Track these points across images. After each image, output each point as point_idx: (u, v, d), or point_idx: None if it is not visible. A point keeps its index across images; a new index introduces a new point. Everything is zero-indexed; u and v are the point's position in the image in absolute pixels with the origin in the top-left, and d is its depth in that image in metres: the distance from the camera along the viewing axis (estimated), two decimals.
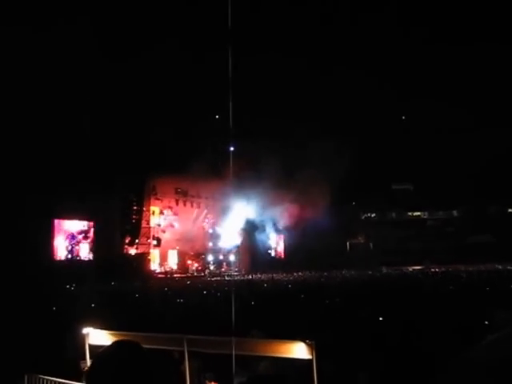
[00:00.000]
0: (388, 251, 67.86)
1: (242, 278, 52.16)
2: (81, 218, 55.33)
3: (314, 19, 57.56)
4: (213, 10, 44.10)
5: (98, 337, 7.34)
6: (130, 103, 51.69)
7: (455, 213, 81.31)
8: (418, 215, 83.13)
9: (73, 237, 54.98)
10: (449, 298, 24.57)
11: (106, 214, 55.18)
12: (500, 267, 49.54)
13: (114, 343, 3.42)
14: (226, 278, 53.55)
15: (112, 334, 7.14)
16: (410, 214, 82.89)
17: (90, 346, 7.38)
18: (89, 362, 7.19)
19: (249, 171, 53.68)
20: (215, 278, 53.26)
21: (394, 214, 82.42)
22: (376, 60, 60.80)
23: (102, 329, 7.53)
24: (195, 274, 61.52)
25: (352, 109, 60.83)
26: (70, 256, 54.33)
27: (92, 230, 56.30)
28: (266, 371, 8.46)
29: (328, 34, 57.69)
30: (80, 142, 47.91)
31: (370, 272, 53.10)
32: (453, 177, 70.51)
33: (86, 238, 55.89)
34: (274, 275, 52.67)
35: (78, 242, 55.39)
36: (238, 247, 67.41)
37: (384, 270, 57.32)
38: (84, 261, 54.60)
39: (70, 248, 54.77)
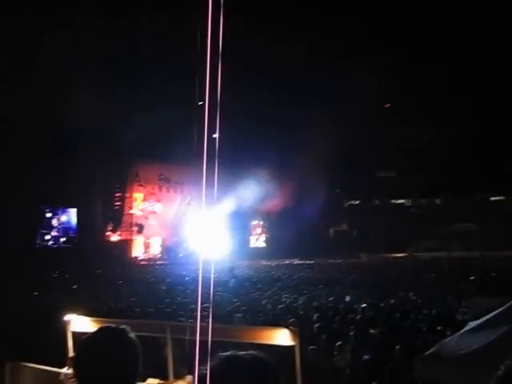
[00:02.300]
0: (372, 238, 68.02)
1: (226, 265, 52.28)
2: (63, 205, 55.17)
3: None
4: None
5: (80, 324, 7.32)
6: (113, 88, 51.48)
7: (438, 201, 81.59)
8: (402, 203, 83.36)
9: (55, 223, 54.87)
10: (431, 285, 24.75)
11: (89, 200, 55.08)
12: (482, 255, 49.84)
13: (101, 329, 3.42)
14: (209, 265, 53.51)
15: (94, 321, 7.12)
16: (393, 201, 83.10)
17: (73, 333, 7.35)
18: (71, 349, 7.17)
19: (232, 158, 53.70)
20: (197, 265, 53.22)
21: (377, 202, 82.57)
22: (362, 46, 60.73)
23: (84, 315, 7.51)
24: (178, 260, 61.49)
25: (336, 96, 60.78)
26: (51, 243, 54.21)
27: (75, 216, 56.21)
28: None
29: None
30: (62, 128, 47.76)
31: (351, 259, 53.33)
32: (436, 165, 70.79)
33: (68, 224, 55.78)
34: (257, 262, 52.89)
35: (60, 229, 55.27)
36: (220, 235, 67.46)
37: (364, 257, 57.50)
38: (66, 247, 54.47)
39: (52, 235, 54.65)
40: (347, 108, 59.33)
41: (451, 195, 76.58)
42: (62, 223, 55.81)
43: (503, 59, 58.42)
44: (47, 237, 54.31)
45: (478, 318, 5.94)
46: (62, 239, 55.51)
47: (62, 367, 6.85)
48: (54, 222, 55.46)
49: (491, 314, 5.21)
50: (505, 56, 57.56)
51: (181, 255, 63.87)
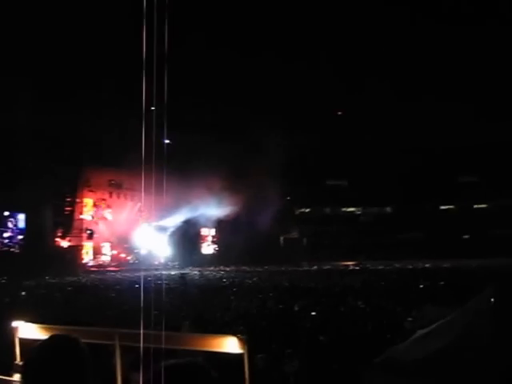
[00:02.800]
0: (322, 246, 68.35)
1: (175, 272, 52.11)
2: (12, 209, 54.55)
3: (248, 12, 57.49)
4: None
5: (28, 330, 7.23)
6: (65, 92, 51.17)
7: (388, 209, 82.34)
8: (352, 211, 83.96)
9: (3, 229, 54.25)
10: (380, 293, 24.89)
11: (38, 205, 54.54)
12: (430, 264, 50.36)
13: (51, 337, 3.40)
14: (159, 272, 53.39)
15: (43, 328, 7.05)
16: (343, 209, 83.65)
17: (21, 339, 7.28)
18: (18, 356, 7.09)
19: (184, 165, 53.68)
20: (148, 272, 53.06)
21: (328, 210, 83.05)
22: (314, 54, 61.02)
23: (32, 322, 7.44)
24: (128, 267, 61.12)
25: (289, 103, 61.01)
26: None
27: (23, 221, 55.60)
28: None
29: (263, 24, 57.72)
30: (12, 131, 47.32)
31: (301, 267, 53.56)
32: (387, 174, 71.40)
33: (17, 229, 55.15)
34: (207, 269, 52.93)
35: (9, 234, 54.66)
36: (171, 241, 67.33)
37: (305, 265, 57.66)
38: (15, 253, 53.87)
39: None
40: (299, 116, 59.65)
41: (402, 204, 77.29)
42: (11, 228, 55.15)
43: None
44: None
45: (426, 327, 5.99)
46: (10, 244, 54.87)
47: (8, 375, 6.78)
48: (3, 227, 54.83)
49: (438, 323, 5.27)
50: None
51: (131, 261, 63.71)
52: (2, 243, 54.10)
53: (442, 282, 28.99)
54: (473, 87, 62.13)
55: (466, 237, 74.21)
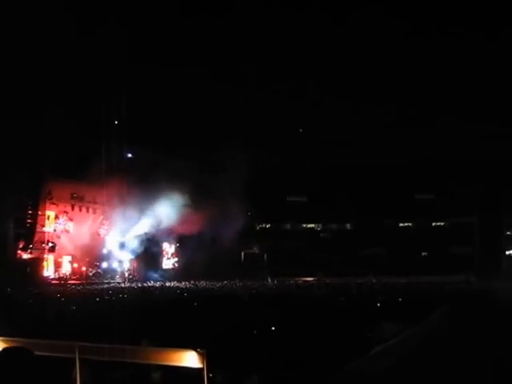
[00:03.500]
0: (281, 262, 68.35)
1: (135, 286, 51.89)
2: None
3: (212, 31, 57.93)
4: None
5: None
6: (28, 103, 50.92)
7: (348, 226, 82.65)
8: (312, 227, 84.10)
9: None
10: (339, 309, 25.04)
11: None
12: (389, 280, 50.66)
13: (5, 349, 3.48)
14: (119, 286, 53.12)
15: (2, 341, 7.09)
16: (303, 225, 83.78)
17: None
18: None
19: (146, 179, 53.60)
20: (109, 285, 52.75)
21: (288, 226, 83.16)
22: (274, 70, 61.42)
23: None
24: (90, 280, 60.67)
25: (249, 120, 61.25)
26: None
27: None
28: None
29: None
30: None
31: (260, 282, 53.64)
32: (346, 190, 71.84)
33: None
34: (168, 283, 52.83)
35: None
36: (133, 256, 67.02)
37: (269, 281, 57.82)
38: None
39: None
40: (260, 132, 59.85)
41: (361, 221, 77.65)
42: None
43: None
44: None
45: (383, 343, 6.12)
46: None
47: None
48: None
49: (395, 339, 5.43)
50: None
51: (92, 275, 63.33)
52: None
53: (400, 299, 29.27)
54: (432, 103, 63.04)
55: (425, 254, 74.93)
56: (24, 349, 3.44)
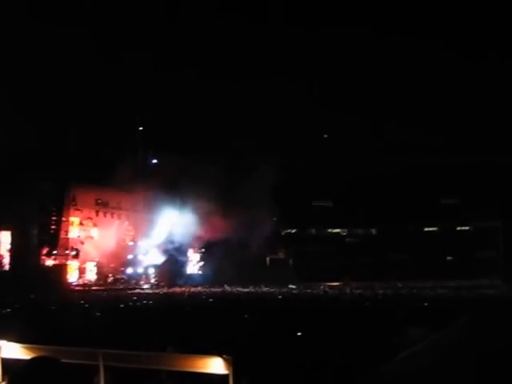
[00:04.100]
0: (307, 267, 68.24)
1: (161, 291, 51.90)
2: None
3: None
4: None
5: (11, 350, 7.17)
6: (52, 111, 51.15)
7: (374, 231, 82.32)
8: (338, 232, 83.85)
9: None
10: (365, 314, 24.87)
11: (23, 223, 54.29)
12: (415, 285, 50.40)
13: (34, 359, 3.38)
14: (144, 292, 53.13)
15: (26, 348, 6.99)
16: (329, 230, 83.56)
17: (3, 359, 7.21)
18: (0, 377, 7.02)
19: (172, 184, 53.67)
20: (133, 291, 52.78)
21: (313, 231, 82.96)
22: (300, 76, 61.37)
23: (15, 341, 7.37)
24: (114, 286, 60.71)
25: (275, 125, 61.24)
26: None
27: (8, 239, 55.31)
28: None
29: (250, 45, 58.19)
30: None
31: (286, 288, 53.49)
32: (372, 195, 71.63)
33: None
34: (193, 289, 52.77)
35: None
36: (158, 262, 67.07)
37: (294, 286, 57.62)
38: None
39: None
40: (285, 138, 59.77)
41: (386, 226, 77.37)
42: None
43: None
44: None
45: (409, 348, 5.98)
46: None
47: None
48: None
49: (421, 344, 5.27)
50: None
51: (116, 281, 63.41)
52: None
53: (426, 303, 29.04)
54: (454, 109, 62.83)
55: (450, 258, 74.57)
56: (52, 358, 3.35)
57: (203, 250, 73.61)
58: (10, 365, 6.77)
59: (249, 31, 57.47)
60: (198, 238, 69.50)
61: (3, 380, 6.67)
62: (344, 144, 69.11)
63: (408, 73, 62.08)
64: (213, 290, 52.71)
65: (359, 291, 46.27)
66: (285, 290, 51.50)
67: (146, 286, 60.78)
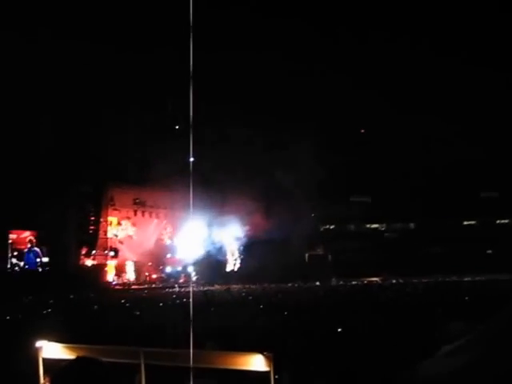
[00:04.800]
0: (346, 263, 68.05)
1: (200, 289, 51.99)
2: (35, 229, 54.61)
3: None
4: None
5: (52, 350, 7.19)
6: (89, 112, 51.47)
7: (412, 225, 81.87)
8: (376, 227, 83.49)
9: (28, 248, 54.25)
10: (405, 309, 24.70)
11: (62, 224, 54.71)
12: (455, 279, 50.07)
13: (76, 359, 3.38)
14: (183, 290, 53.27)
15: (67, 348, 7.01)
16: (367, 226, 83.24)
17: (44, 359, 7.23)
18: (42, 377, 7.05)
19: (208, 182, 53.67)
20: (173, 290, 52.95)
21: (352, 227, 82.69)
22: (338, 70, 61.15)
23: (56, 341, 7.39)
24: (153, 285, 60.96)
25: (311, 121, 61.07)
26: (26, 267, 53.58)
27: (47, 240, 55.70)
28: None
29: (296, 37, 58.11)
30: (34, 150, 47.63)
31: (325, 284, 53.37)
32: (410, 190, 71.27)
33: (41, 248, 55.14)
34: (232, 286, 52.79)
35: (33, 253, 54.67)
36: (196, 259, 67.15)
37: (334, 281, 57.51)
38: (39, 272, 53.93)
39: (25, 259, 53.98)
40: (323, 133, 59.58)
41: (425, 220, 76.97)
42: (35, 247, 55.01)
43: None
44: (19, 261, 53.41)
45: (451, 342, 5.91)
46: (36, 263, 54.88)
47: None
48: (27, 247, 54.70)
49: (464, 338, 5.18)
50: None
51: (156, 280, 63.68)
52: (27, 262, 54.09)
53: (467, 298, 28.77)
54: (493, 103, 62.28)
55: (490, 252, 73.90)
56: (96, 359, 3.35)
57: (241, 247, 73.65)
58: (51, 365, 6.80)
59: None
60: (236, 235, 69.60)
61: (45, 380, 6.70)
62: (382, 139, 68.89)
63: (447, 66, 61.53)
64: (252, 287, 52.73)
65: (398, 286, 46.09)
66: (324, 285, 51.42)
67: (184, 285, 60.93)
